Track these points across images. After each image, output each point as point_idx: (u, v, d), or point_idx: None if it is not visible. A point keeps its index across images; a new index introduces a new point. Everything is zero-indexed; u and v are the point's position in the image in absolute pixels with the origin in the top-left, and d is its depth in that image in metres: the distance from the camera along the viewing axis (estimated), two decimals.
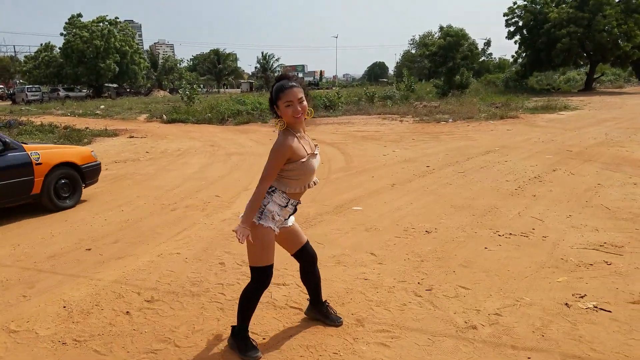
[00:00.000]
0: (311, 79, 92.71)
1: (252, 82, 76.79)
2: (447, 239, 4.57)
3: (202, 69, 78.76)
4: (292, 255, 2.90)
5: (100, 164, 7.03)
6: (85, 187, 6.63)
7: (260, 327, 2.98)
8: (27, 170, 5.76)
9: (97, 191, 7.10)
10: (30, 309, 3.23)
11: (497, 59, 61.21)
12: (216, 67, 76.27)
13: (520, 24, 36.58)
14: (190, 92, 24.35)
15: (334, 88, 54.86)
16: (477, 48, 50.27)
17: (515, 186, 6.61)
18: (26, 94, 43.12)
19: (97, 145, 12.84)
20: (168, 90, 61.46)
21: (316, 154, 2.62)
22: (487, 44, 55.57)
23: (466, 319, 3.03)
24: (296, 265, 3.92)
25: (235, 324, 2.71)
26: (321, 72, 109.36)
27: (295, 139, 2.49)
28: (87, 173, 6.60)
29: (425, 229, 4.89)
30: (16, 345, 2.77)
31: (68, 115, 24.78)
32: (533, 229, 4.74)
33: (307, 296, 3.37)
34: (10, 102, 43.58)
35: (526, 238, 4.48)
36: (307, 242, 2.90)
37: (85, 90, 50.54)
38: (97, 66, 48.57)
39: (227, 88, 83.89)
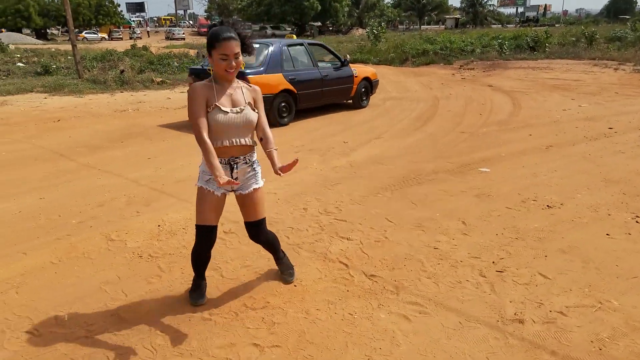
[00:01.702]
0: (534, 13, 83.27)
1: (458, 18, 72.71)
2: (566, 218, 3.97)
3: (406, 4, 77.33)
4: None
5: (378, 81, 10.45)
6: (371, 95, 10.18)
7: (299, 274, 3.17)
8: (350, 80, 9.43)
9: None
10: (134, 224, 4.03)
11: None
12: (419, 2, 74.01)
13: None
14: (377, 30, 24.41)
15: (556, 25, 48.37)
16: None
17: None
18: None
19: None
20: (367, 29, 62.46)
21: (231, 111, 2.45)
22: None
23: (519, 310, 2.71)
24: (370, 222, 3.99)
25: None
26: (546, 6, 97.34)
27: (211, 87, 2.46)
28: (375, 85, 10.22)
29: (548, 203, 4.32)
30: (106, 252, 3.54)
31: None
32: None
33: (361, 254, 3.44)
34: None
35: None
36: (251, 224, 2.77)
37: (289, 29, 54.77)
38: (301, 4, 51.90)
39: (431, 24, 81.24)
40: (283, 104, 8.07)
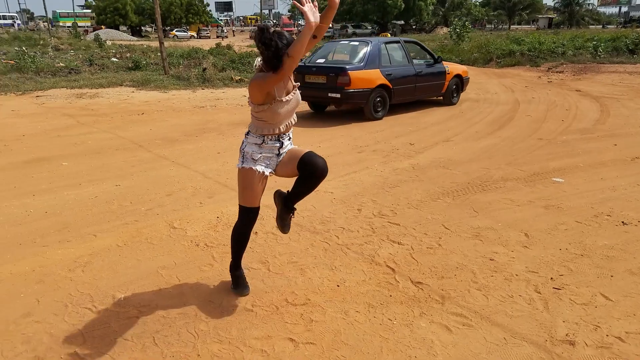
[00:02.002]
0: (638, 13, 76.82)
1: (551, 18, 68.73)
2: None
3: (495, 3, 74.23)
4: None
5: (469, 78, 10.69)
6: (461, 92, 10.42)
7: (344, 275, 3.19)
8: (443, 76, 9.77)
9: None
10: (196, 213, 4.25)
11: None
12: (510, 0, 70.72)
13: None
14: (459, 29, 23.71)
15: None
16: None
17: None
18: None
19: None
20: (450, 28, 60.68)
21: (287, 99, 2.60)
22: None
23: (571, 331, 2.55)
24: (424, 228, 3.92)
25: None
26: None
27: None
28: (465, 83, 10.52)
29: (624, 220, 4.00)
30: (167, 238, 3.77)
31: None
32: None
33: (411, 260, 3.41)
34: None
35: None
36: (308, 153, 2.69)
37: (370, 28, 54.62)
38: (384, 3, 51.57)
39: (521, 24, 77.53)
40: (378, 99, 8.57)
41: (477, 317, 2.73)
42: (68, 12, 69.61)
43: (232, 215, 4.19)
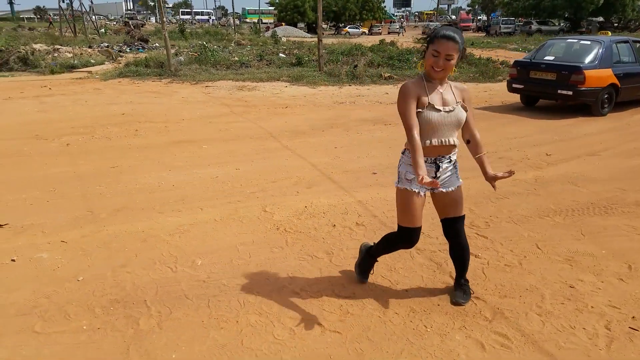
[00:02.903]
0: None
1: None
2: None
3: None
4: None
5: None
6: None
7: (400, 277, 3.26)
8: None
9: None
10: (289, 201, 4.65)
11: None
12: None
13: None
14: None
15: None
16: None
17: None
18: (500, 26, 47.20)
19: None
20: None
21: (443, 109, 2.52)
22: None
23: None
24: (513, 244, 3.76)
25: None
26: None
27: (422, 85, 2.52)
28: None
29: None
30: (256, 219, 4.23)
31: (515, 51, 25.80)
32: None
33: (480, 274, 3.36)
34: (484, 34, 48.92)
35: None
36: (452, 220, 2.79)
37: (558, 24, 50.01)
38: None
39: None
40: (606, 96, 9.00)
41: (521, 340, 2.62)
42: (255, 9, 77.40)
43: (319, 206, 4.51)
